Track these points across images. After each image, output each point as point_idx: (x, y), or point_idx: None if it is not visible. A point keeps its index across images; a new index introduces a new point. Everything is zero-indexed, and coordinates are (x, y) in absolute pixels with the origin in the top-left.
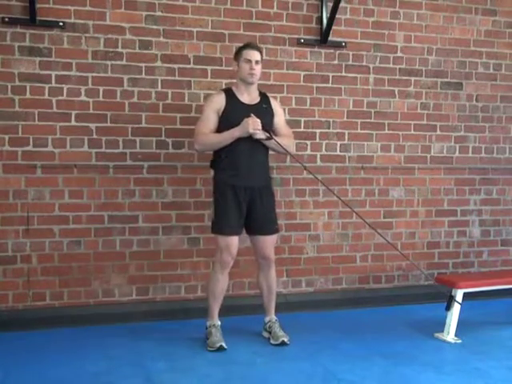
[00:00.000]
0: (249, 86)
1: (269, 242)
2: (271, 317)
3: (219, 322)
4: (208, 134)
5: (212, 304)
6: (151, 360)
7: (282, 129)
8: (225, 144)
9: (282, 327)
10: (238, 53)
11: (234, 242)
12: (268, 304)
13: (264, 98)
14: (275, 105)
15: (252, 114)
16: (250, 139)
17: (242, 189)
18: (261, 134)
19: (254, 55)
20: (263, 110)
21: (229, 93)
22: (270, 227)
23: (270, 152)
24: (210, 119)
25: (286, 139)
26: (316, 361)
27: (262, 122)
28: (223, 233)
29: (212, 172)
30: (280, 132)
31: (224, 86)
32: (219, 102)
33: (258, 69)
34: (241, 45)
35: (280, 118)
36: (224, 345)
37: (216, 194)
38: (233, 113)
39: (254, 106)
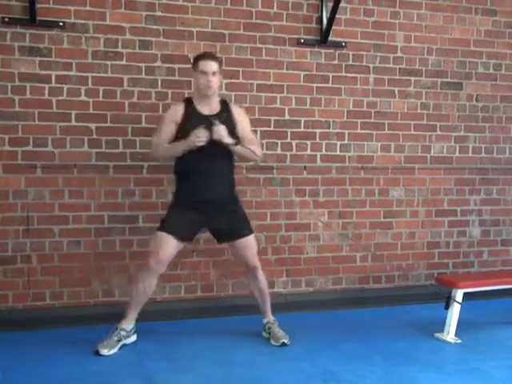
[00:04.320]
0: (207, 97)
1: (246, 248)
2: (269, 318)
3: (129, 326)
4: (159, 144)
5: (130, 304)
6: (151, 360)
7: (247, 137)
8: (174, 155)
9: (281, 327)
10: (194, 63)
11: (167, 241)
12: (263, 306)
13: (225, 106)
14: (238, 113)
15: (216, 120)
16: (207, 150)
17: (197, 201)
18: (227, 139)
19: (210, 66)
20: (223, 118)
21: (188, 103)
22: (238, 232)
23: (270, 152)
24: (164, 130)
25: (252, 146)
26: (316, 361)
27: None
28: (162, 229)
29: (175, 180)
30: (244, 141)
31: (224, 86)
32: (175, 113)
33: (214, 80)
34: (197, 55)
35: (243, 126)
36: (106, 352)
37: (173, 201)
38: (188, 124)
39: (213, 117)
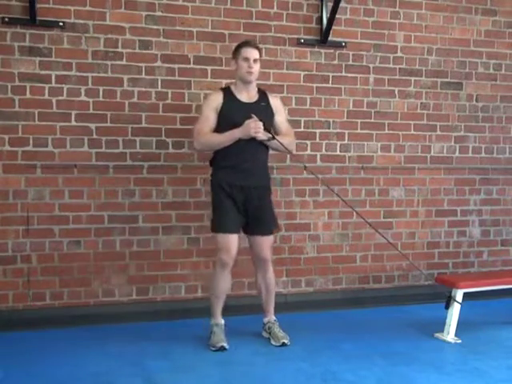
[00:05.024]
0: (247, 85)
1: (265, 242)
2: (270, 318)
3: (223, 322)
4: (208, 133)
5: (213, 303)
6: (151, 360)
7: (283, 127)
8: (225, 145)
9: (281, 327)
10: (237, 51)
11: (231, 239)
12: (267, 305)
13: (263, 96)
14: (275, 103)
15: (254, 116)
16: (250, 140)
17: (238, 187)
18: (262, 136)
19: (252, 53)
20: (262, 108)
21: (227, 91)
22: (267, 228)
23: (271, 152)
24: (209, 118)
25: (287, 138)
26: (316, 361)
27: (263, 123)
28: (220, 231)
29: (211, 170)
30: (281, 130)
31: (224, 86)
32: (216, 100)
33: (256, 67)
34: (239, 43)
35: (281, 116)
36: (225, 345)
37: (213, 193)
38: (230, 111)
39: (252, 105)
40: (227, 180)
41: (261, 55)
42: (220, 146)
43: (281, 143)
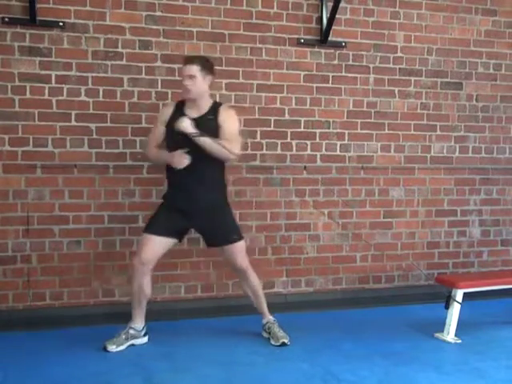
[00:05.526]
0: (195, 100)
1: (230, 251)
2: (268, 318)
3: (137, 325)
4: (151, 146)
5: (132, 305)
6: (151, 360)
7: (227, 136)
8: (161, 163)
9: (281, 327)
10: None
11: (150, 240)
12: (260, 307)
13: (214, 109)
14: (224, 115)
15: (180, 151)
16: (192, 156)
17: (180, 211)
18: (190, 129)
19: (186, 70)
20: (206, 121)
21: (179, 105)
22: (225, 239)
23: (271, 152)
24: (156, 131)
25: (221, 141)
26: (316, 361)
27: (191, 123)
28: (143, 230)
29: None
30: (222, 139)
31: (223, 86)
32: (165, 113)
33: (191, 83)
34: None
35: (228, 127)
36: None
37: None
38: (173, 125)
39: (197, 119)
40: (170, 203)
41: (206, 68)
42: (159, 162)
43: (219, 144)
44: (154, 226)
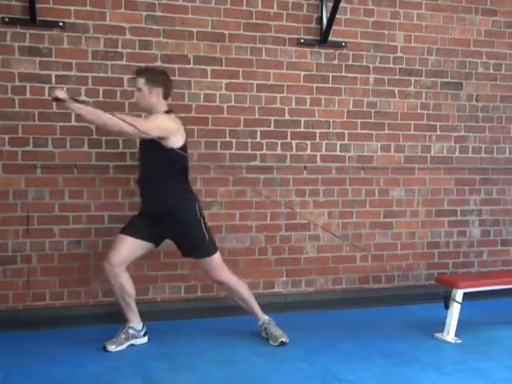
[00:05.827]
0: (149, 111)
1: (203, 265)
2: (263, 319)
3: (135, 325)
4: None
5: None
6: (151, 360)
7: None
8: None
9: (278, 326)
10: None
11: (121, 242)
12: (251, 311)
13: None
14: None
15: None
16: (145, 166)
17: (148, 214)
18: (60, 94)
19: (135, 82)
20: None
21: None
22: (192, 251)
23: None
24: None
25: (127, 116)
26: (316, 361)
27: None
28: (120, 231)
29: None
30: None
31: (223, 86)
32: None
33: (138, 96)
34: None
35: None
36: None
37: None
38: None
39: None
40: (141, 206)
41: (149, 82)
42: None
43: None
44: (129, 228)
